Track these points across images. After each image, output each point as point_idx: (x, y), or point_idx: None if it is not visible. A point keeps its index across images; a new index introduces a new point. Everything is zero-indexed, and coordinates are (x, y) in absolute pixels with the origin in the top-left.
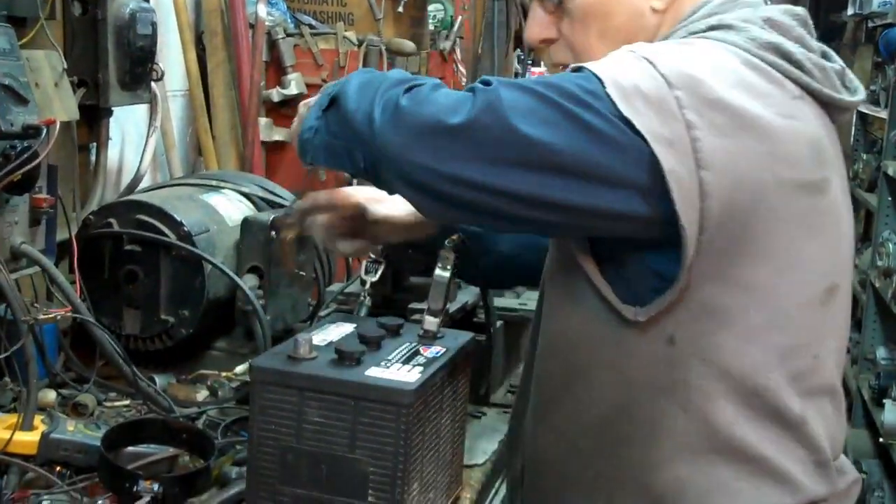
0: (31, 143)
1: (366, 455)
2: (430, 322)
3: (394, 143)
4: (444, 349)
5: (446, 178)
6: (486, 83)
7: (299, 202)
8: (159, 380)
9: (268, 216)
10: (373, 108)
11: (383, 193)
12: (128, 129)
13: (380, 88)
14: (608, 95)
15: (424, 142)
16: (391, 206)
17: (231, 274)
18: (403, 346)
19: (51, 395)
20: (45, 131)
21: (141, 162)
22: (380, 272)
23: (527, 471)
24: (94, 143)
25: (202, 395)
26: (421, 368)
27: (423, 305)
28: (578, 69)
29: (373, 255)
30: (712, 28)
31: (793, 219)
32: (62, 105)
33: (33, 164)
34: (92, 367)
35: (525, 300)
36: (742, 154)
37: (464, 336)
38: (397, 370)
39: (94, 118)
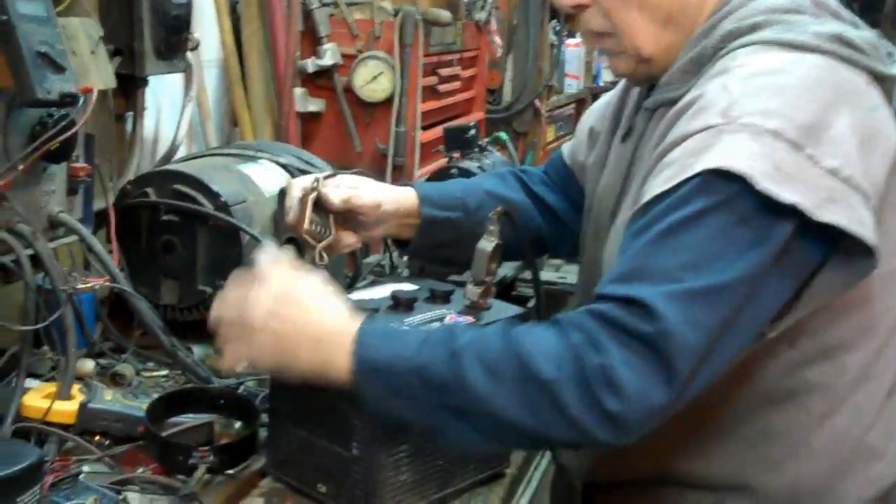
0: (69, 111)
1: (353, 407)
2: (473, 292)
3: (620, 440)
4: (476, 321)
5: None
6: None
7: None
8: (197, 350)
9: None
10: (558, 413)
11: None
12: (163, 98)
13: (524, 384)
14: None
15: (656, 422)
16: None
17: (265, 242)
18: (434, 312)
19: (89, 365)
20: (81, 99)
21: (177, 132)
22: None
23: (603, 461)
24: (131, 113)
25: (240, 366)
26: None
27: (462, 278)
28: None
29: None
30: (757, 27)
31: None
32: (99, 73)
33: (71, 132)
34: (130, 337)
35: (564, 273)
36: (873, 166)
37: (512, 310)
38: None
39: (129, 87)
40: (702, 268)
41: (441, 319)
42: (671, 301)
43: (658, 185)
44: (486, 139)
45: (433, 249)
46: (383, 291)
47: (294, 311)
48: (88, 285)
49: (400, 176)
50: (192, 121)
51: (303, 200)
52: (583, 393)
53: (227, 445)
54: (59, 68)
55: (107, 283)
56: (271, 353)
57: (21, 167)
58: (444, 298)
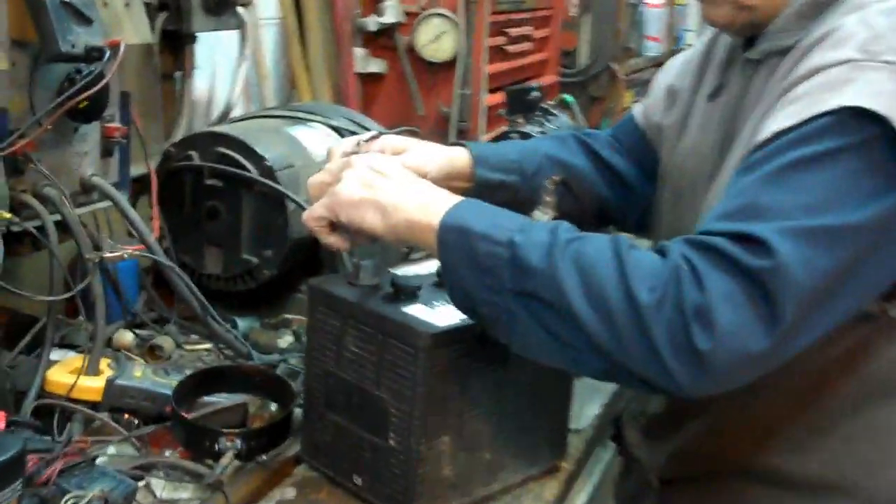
0: (99, 66)
1: (388, 394)
2: None
3: (700, 388)
4: None
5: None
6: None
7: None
8: (241, 323)
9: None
10: (640, 337)
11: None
12: (219, 57)
13: (611, 292)
14: None
15: (744, 376)
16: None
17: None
18: None
19: (127, 337)
20: (108, 54)
21: (231, 92)
22: None
23: (682, 453)
24: (180, 72)
25: (286, 340)
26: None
27: None
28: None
29: None
30: None
31: None
32: (133, 26)
33: (96, 88)
34: (174, 308)
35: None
36: None
37: None
38: (440, 312)
39: (177, 44)
40: (823, 210)
41: None
42: (786, 237)
43: (781, 119)
44: (551, 102)
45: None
46: (430, 268)
47: (394, 174)
48: (117, 254)
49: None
50: (250, 81)
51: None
52: (673, 323)
53: (258, 430)
54: (86, 20)
55: (137, 252)
56: (350, 201)
57: (46, 125)
58: None
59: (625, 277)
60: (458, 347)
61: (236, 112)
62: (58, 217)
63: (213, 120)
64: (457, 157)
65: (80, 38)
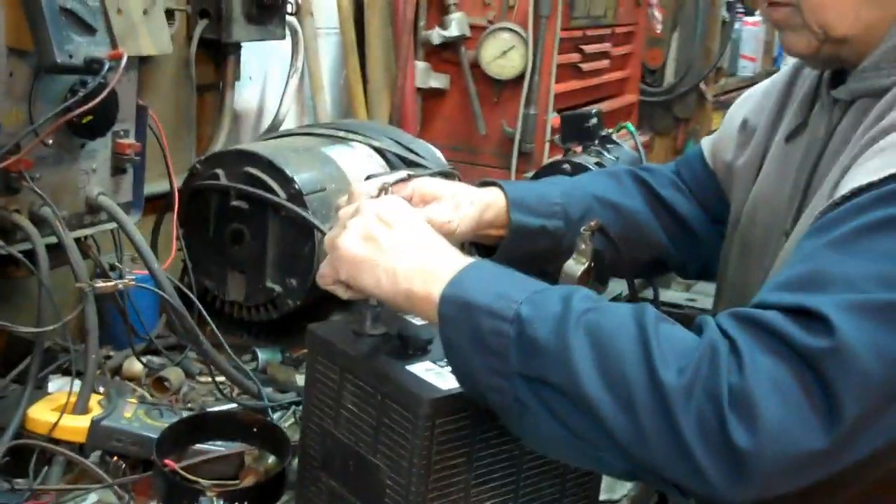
0: (107, 78)
1: (385, 463)
2: None
3: (739, 493)
4: None
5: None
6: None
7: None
8: (262, 355)
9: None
10: (666, 429)
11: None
12: (272, 68)
13: (632, 373)
14: None
15: (792, 482)
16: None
17: None
18: None
19: (136, 367)
20: (106, 67)
21: (280, 105)
22: None
23: None
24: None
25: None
26: None
27: None
28: None
29: None
30: None
31: None
32: (150, 36)
33: (96, 101)
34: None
35: (695, 294)
36: None
37: None
38: (450, 372)
39: (219, 54)
40: None
41: None
42: (851, 313)
43: (862, 174)
44: (612, 130)
45: (525, 262)
46: None
47: (401, 228)
48: (109, 284)
49: (527, 164)
50: (304, 94)
51: None
52: (705, 411)
53: (245, 490)
54: (88, 29)
55: (131, 282)
56: (351, 258)
57: (41, 139)
58: None
59: (649, 355)
60: (464, 415)
61: (287, 126)
62: (55, 239)
63: (260, 134)
64: (491, 201)
65: (80, 49)
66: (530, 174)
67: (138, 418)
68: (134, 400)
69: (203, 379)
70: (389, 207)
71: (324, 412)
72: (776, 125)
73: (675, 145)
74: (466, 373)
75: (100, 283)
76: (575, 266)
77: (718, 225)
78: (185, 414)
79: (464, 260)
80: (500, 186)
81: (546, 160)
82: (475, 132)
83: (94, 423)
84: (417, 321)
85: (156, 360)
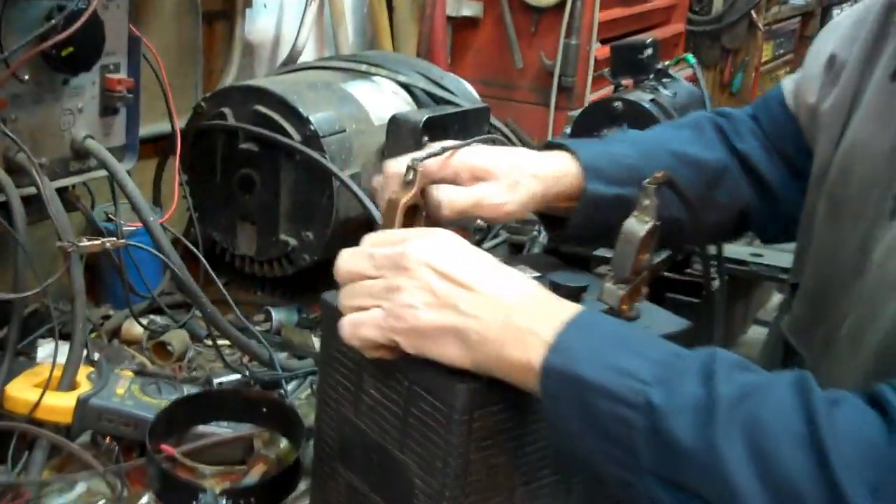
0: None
1: (414, 461)
2: (613, 294)
3: None
4: None
5: None
6: None
7: (428, 160)
8: (276, 315)
9: (423, 115)
10: None
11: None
12: None
13: (808, 491)
14: None
15: None
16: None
17: (357, 191)
18: None
19: (136, 329)
20: None
21: (297, 36)
22: None
23: None
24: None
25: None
26: None
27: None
28: None
29: None
30: None
31: None
32: None
33: (72, 29)
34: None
35: (760, 248)
36: None
37: (671, 323)
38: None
39: None
40: None
41: None
42: None
43: None
44: (668, 62)
45: (597, 236)
46: None
47: (470, 276)
48: (96, 242)
49: (567, 100)
50: (325, 23)
51: (391, 204)
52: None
53: (251, 488)
54: None
55: (121, 241)
56: (423, 329)
57: (11, 73)
58: (570, 297)
59: (827, 465)
60: (508, 405)
61: (305, 59)
62: (34, 190)
63: (275, 68)
64: (561, 172)
65: None
66: (575, 112)
67: (132, 395)
68: (128, 372)
69: (211, 343)
70: (444, 252)
71: (341, 395)
72: (873, 60)
73: (722, 79)
74: (581, 457)
75: (84, 242)
76: (637, 226)
77: (799, 180)
78: (186, 389)
79: (562, 311)
80: (571, 151)
81: (588, 96)
82: (511, 65)
83: (81, 402)
84: None
85: (159, 319)
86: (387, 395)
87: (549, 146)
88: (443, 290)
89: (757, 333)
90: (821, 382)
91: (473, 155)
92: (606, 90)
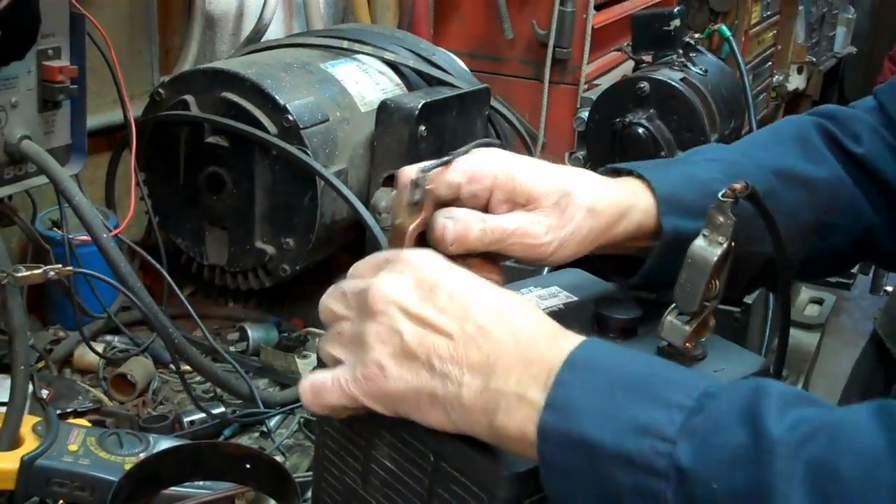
0: None
1: None
2: (674, 329)
3: None
4: None
5: None
6: None
7: (436, 176)
8: (253, 334)
9: (418, 100)
10: None
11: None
12: None
13: None
14: None
15: None
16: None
17: (345, 192)
18: None
19: (90, 357)
20: None
21: (264, 6)
22: None
23: None
24: None
25: (310, 363)
26: None
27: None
28: None
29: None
30: None
31: None
32: None
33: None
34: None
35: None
36: None
37: (747, 362)
38: None
39: None
40: None
41: None
42: None
43: None
44: (698, 35)
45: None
46: None
47: (455, 322)
48: (37, 272)
49: (562, 73)
50: None
51: (397, 232)
52: None
53: None
54: None
55: (68, 269)
56: (393, 394)
57: None
58: (621, 333)
59: None
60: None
61: (273, 34)
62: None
63: (240, 44)
64: (628, 204)
65: None
66: (589, 94)
67: (88, 451)
68: (83, 420)
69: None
70: (419, 286)
71: (346, 463)
72: None
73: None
74: None
75: (23, 273)
76: (708, 248)
77: None
78: (153, 440)
79: (555, 353)
80: (641, 176)
81: (585, 68)
82: (499, 36)
83: (26, 464)
84: None
85: (117, 342)
86: (406, 469)
87: (613, 171)
88: (414, 338)
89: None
90: None
91: (512, 167)
92: (604, 61)
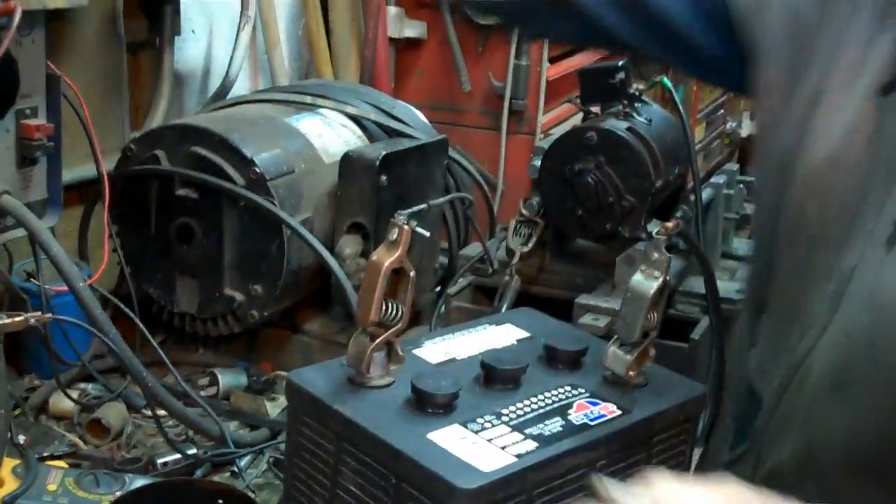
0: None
1: None
2: (617, 359)
3: None
4: (620, 413)
5: None
6: None
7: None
8: (223, 378)
9: (379, 151)
10: None
11: None
12: (219, 20)
13: None
14: None
15: None
16: None
17: (311, 240)
18: (552, 395)
19: (65, 403)
20: None
21: (230, 64)
22: (534, 238)
23: None
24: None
25: (278, 405)
26: (533, 445)
27: (597, 301)
28: None
29: (525, 212)
30: None
31: None
32: None
33: None
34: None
35: (743, 281)
36: None
37: (685, 389)
38: (488, 441)
39: (153, 4)
40: None
41: (563, 409)
42: None
43: None
44: (641, 87)
45: None
46: (468, 344)
47: None
48: (18, 319)
49: (518, 124)
50: (259, 50)
51: (373, 266)
52: None
53: None
54: None
55: (47, 316)
56: None
57: None
58: (569, 364)
59: None
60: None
61: (237, 91)
62: None
63: (206, 101)
64: None
65: None
66: (542, 143)
67: (67, 491)
68: (61, 462)
69: (148, 412)
70: None
71: (314, 491)
72: (833, 53)
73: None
74: None
75: (4, 320)
76: (646, 282)
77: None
78: (128, 479)
79: None
80: None
81: (541, 118)
82: (458, 88)
83: None
84: (434, 359)
85: (91, 388)
86: (371, 492)
87: None
88: None
89: None
90: None
91: None
92: (558, 112)
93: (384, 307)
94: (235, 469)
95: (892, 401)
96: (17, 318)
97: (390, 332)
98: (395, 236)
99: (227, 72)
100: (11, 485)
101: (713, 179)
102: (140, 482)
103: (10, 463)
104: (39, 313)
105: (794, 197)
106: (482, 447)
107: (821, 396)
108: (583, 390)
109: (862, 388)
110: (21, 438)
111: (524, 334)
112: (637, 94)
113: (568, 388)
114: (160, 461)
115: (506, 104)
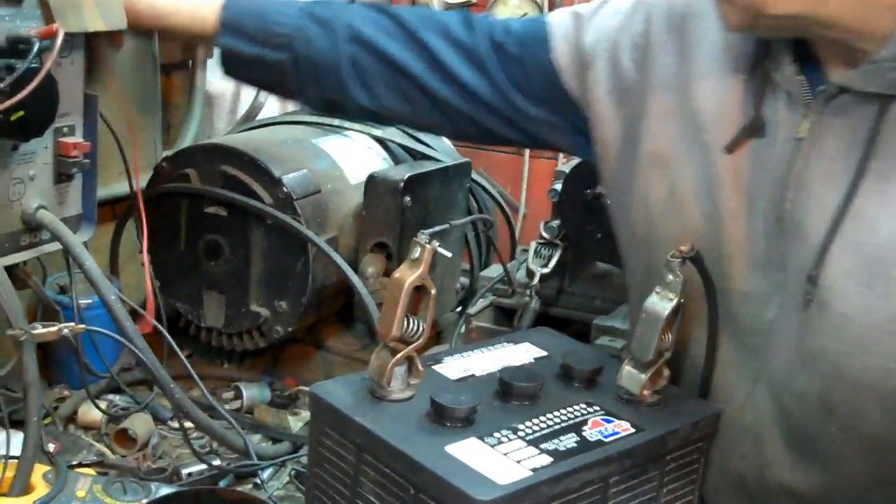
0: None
1: None
2: (632, 378)
3: None
4: (634, 431)
5: None
6: None
7: None
8: (247, 392)
9: (403, 173)
10: None
11: None
12: None
13: None
14: None
15: None
16: None
17: (336, 258)
18: (566, 412)
19: (94, 413)
20: (36, 46)
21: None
22: (554, 260)
23: None
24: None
25: (301, 419)
26: (548, 460)
27: (614, 323)
28: None
29: (546, 235)
30: None
31: None
32: (98, 7)
33: (24, 93)
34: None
35: None
36: None
37: (701, 410)
38: (504, 455)
39: None
40: None
41: (578, 425)
42: None
43: None
44: None
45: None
46: (486, 361)
47: None
48: (52, 329)
49: None
50: None
51: (395, 283)
52: None
53: None
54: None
55: (81, 327)
56: None
57: None
58: (585, 382)
59: None
60: None
61: (267, 112)
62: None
63: (237, 121)
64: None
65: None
66: (566, 168)
67: (95, 498)
68: (89, 470)
69: (177, 424)
70: None
71: (334, 500)
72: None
73: None
74: None
75: (39, 330)
76: (660, 304)
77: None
78: (154, 487)
79: None
80: None
81: None
82: None
83: None
84: (453, 375)
85: (119, 400)
86: (389, 502)
87: None
88: None
89: None
90: None
91: None
92: None
93: (405, 323)
94: (258, 481)
95: None
96: (51, 329)
97: (411, 347)
98: (417, 254)
99: (257, 94)
100: (42, 490)
101: None
102: (165, 490)
103: (42, 469)
104: (73, 324)
105: (640, 227)
106: (498, 460)
107: None
108: (598, 408)
109: None
110: (51, 446)
111: (541, 353)
112: None
113: (583, 406)
114: (185, 471)
115: None
